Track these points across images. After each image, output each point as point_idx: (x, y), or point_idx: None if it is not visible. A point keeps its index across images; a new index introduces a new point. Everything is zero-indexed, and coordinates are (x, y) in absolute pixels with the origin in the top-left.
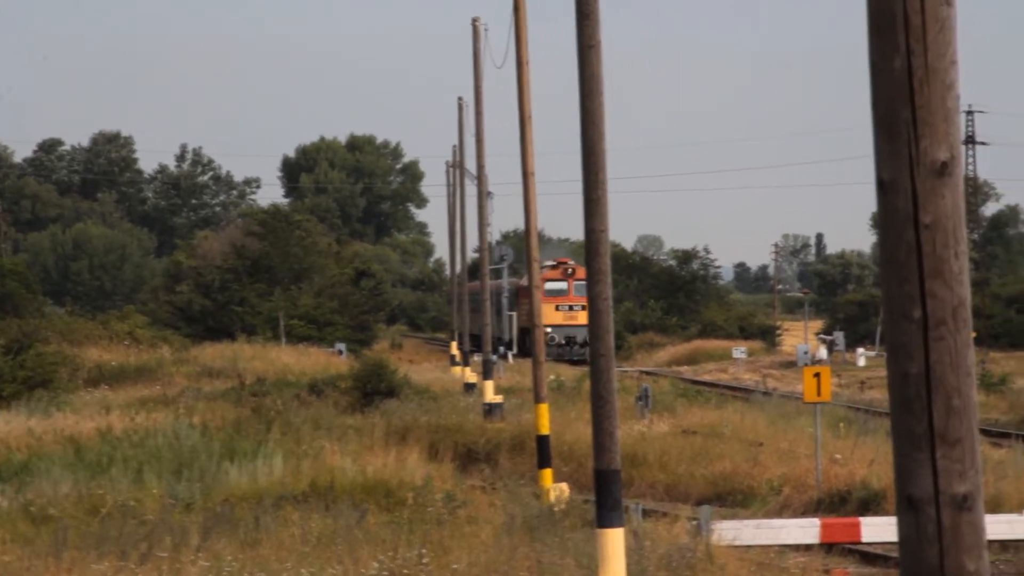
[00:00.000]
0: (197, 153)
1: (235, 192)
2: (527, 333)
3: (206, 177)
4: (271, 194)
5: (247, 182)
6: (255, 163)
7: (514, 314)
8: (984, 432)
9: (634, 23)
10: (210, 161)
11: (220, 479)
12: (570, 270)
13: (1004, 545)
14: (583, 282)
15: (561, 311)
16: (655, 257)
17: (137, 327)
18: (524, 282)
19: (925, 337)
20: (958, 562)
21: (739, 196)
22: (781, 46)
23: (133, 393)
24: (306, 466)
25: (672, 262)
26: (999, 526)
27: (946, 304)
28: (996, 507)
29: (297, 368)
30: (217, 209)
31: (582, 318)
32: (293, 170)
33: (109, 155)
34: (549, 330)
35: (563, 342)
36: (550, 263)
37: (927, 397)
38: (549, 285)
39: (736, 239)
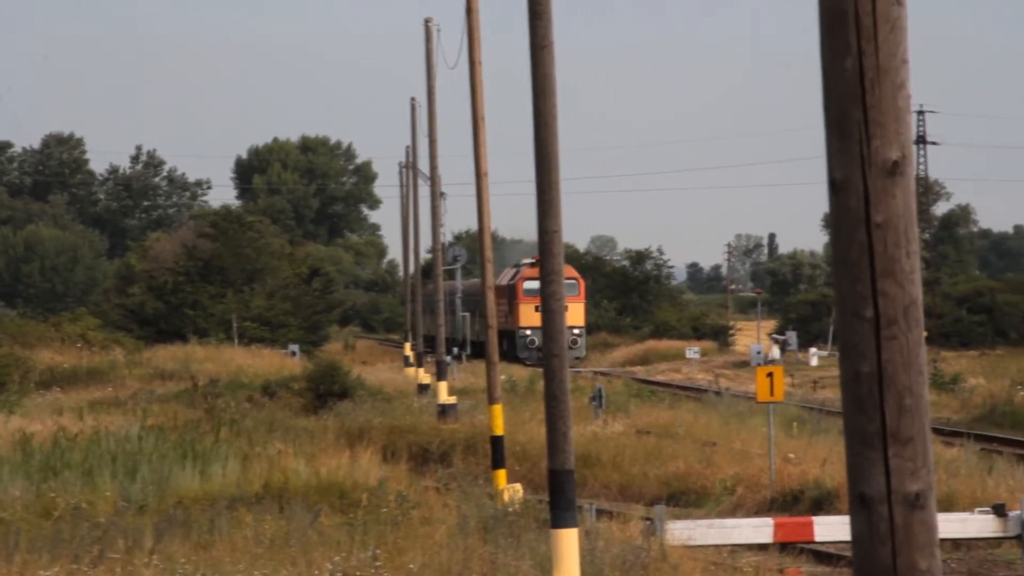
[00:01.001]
0: (151, 155)
1: (187, 194)
2: (504, 336)
3: (159, 178)
4: (224, 195)
5: (199, 183)
6: (208, 164)
7: (467, 315)
8: (936, 431)
9: (587, 25)
10: (162, 163)
11: (173, 481)
12: None
13: (956, 544)
14: (566, 281)
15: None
16: (608, 258)
17: (89, 329)
18: (502, 281)
19: (877, 336)
20: (910, 560)
21: (692, 196)
22: (736, 48)
23: (85, 395)
24: (259, 468)
25: (625, 262)
26: (951, 525)
27: (898, 303)
28: (948, 506)
29: (250, 370)
30: (170, 211)
31: (566, 319)
32: (246, 171)
33: (60, 157)
34: (528, 332)
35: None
36: (529, 261)
37: (879, 396)
38: (529, 284)
39: (689, 239)
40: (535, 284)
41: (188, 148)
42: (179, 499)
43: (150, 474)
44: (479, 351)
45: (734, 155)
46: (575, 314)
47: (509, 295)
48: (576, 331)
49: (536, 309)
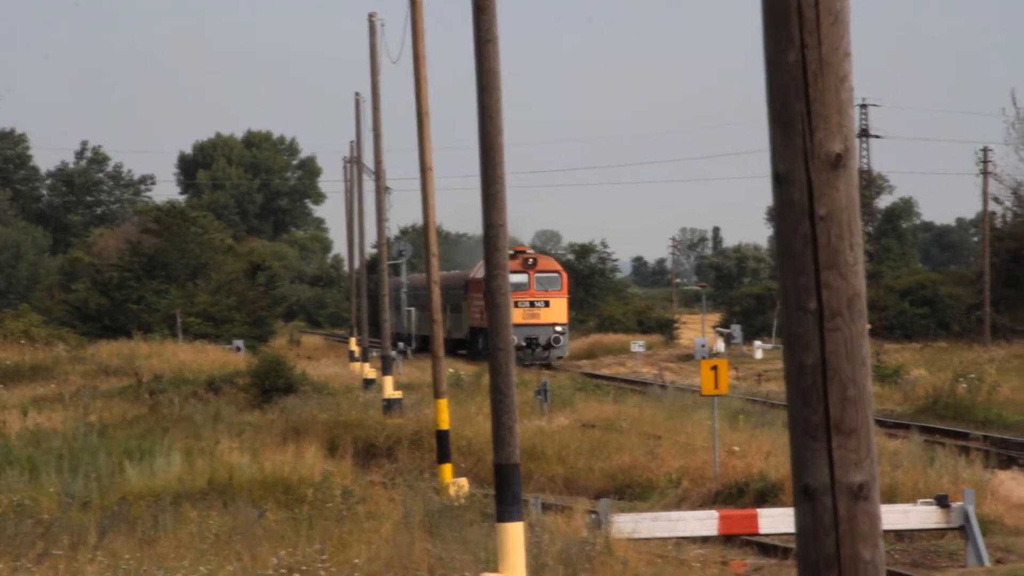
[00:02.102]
0: (96, 151)
1: (131, 190)
2: (479, 334)
3: (103, 174)
4: (168, 191)
5: (143, 179)
6: (153, 160)
7: (412, 310)
8: (879, 423)
9: (527, 20)
10: (107, 159)
11: (117, 477)
12: (531, 260)
13: (899, 535)
14: (547, 274)
15: (520, 308)
16: (553, 252)
17: (32, 325)
18: (478, 274)
19: (821, 328)
20: (854, 551)
21: (636, 191)
22: (677, 44)
23: (28, 392)
24: (204, 464)
25: (570, 256)
26: (895, 516)
27: (841, 295)
28: (892, 497)
29: (194, 365)
30: (114, 207)
31: (546, 316)
32: (190, 167)
33: (3, 152)
34: None
35: (523, 344)
36: (508, 252)
37: (823, 387)
38: (510, 279)
39: (633, 233)
40: (514, 278)
41: (133, 144)
42: (123, 495)
43: (94, 470)
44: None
45: (678, 150)
46: (557, 310)
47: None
48: (559, 328)
49: (516, 305)
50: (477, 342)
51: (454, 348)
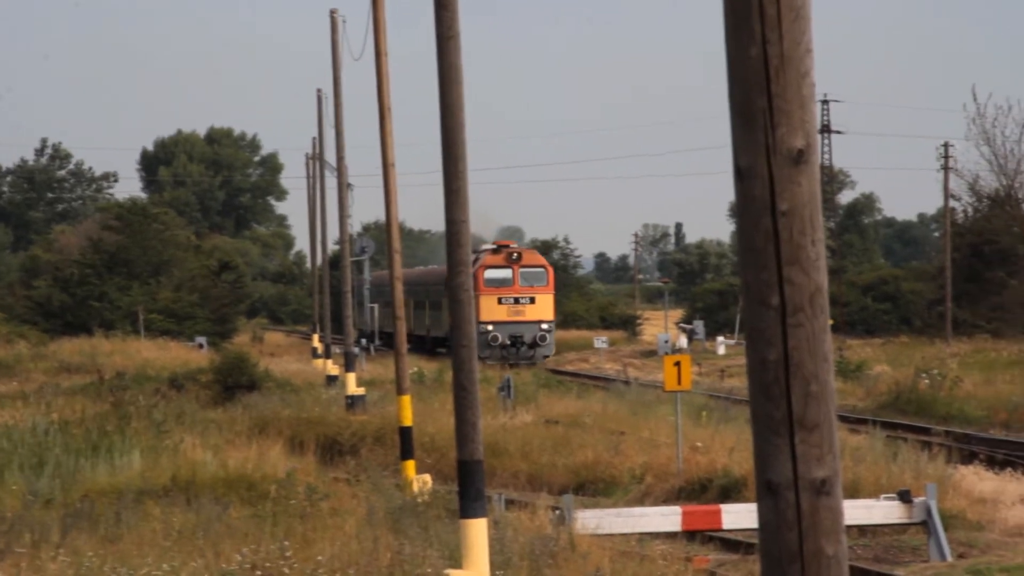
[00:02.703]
0: (57, 148)
1: (93, 186)
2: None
3: (64, 171)
4: (130, 188)
5: (105, 176)
6: (114, 157)
7: (375, 306)
8: (842, 418)
9: (494, 17)
10: (68, 155)
11: (80, 475)
12: (515, 255)
13: (862, 530)
14: (533, 269)
15: (505, 305)
16: None
17: None
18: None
19: (783, 324)
20: (816, 546)
21: (599, 187)
22: (644, 40)
23: None
24: (167, 461)
25: None
26: (857, 511)
27: (803, 291)
28: (854, 492)
29: (157, 362)
30: (75, 204)
31: (531, 313)
32: (152, 163)
33: None
34: (491, 328)
35: (508, 342)
36: (489, 247)
37: (785, 383)
38: (490, 274)
39: (596, 229)
40: (498, 273)
41: (94, 142)
42: (86, 492)
43: (56, 468)
44: (418, 344)
45: (641, 145)
46: (543, 307)
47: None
48: (545, 326)
49: (500, 302)
50: None
51: (434, 346)
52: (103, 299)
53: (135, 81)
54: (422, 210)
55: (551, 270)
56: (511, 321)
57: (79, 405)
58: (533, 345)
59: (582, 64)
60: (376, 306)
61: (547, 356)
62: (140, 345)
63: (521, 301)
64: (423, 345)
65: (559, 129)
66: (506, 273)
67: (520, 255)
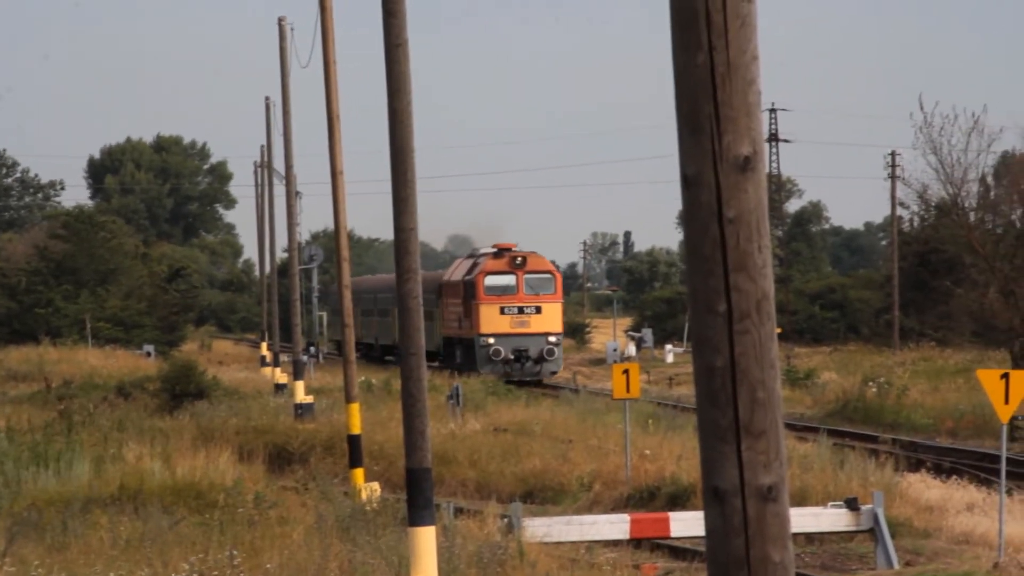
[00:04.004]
0: (2, 155)
1: (40, 194)
2: (458, 345)
3: (10, 179)
4: (78, 196)
5: (52, 184)
6: (62, 165)
7: (324, 314)
8: (790, 426)
9: (441, 25)
10: (15, 163)
11: (26, 484)
12: (519, 259)
13: (810, 538)
14: (539, 275)
15: (508, 315)
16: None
17: None
18: (453, 275)
19: (730, 330)
20: (763, 552)
21: (548, 195)
22: (591, 49)
23: None
24: (114, 469)
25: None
26: (805, 519)
27: (750, 297)
28: (802, 500)
29: (104, 370)
30: (22, 211)
31: (537, 324)
32: (99, 171)
33: None
34: (491, 340)
35: (511, 357)
36: (489, 250)
37: (732, 390)
38: (491, 280)
39: (545, 238)
40: (500, 280)
41: (41, 149)
42: (32, 501)
43: (2, 477)
44: (366, 352)
45: (589, 154)
46: (551, 317)
47: (466, 293)
48: (552, 339)
49: (502, 312)
50: (453, 354)
51: (383, 354)
52: (50, 307)
53: (82, 89)
54: (372, 218)
55: (559, 276)
56: (515, 334)
57: (26, 414)
58: (539, 360)
59: (531, 74)
60: (324, 314)
61: (555, 372)
62: (87, 353)
63: (526, 311)
64: (372, 352)
65: (508, 138)
66: (509, 279)
67: (525, 259)
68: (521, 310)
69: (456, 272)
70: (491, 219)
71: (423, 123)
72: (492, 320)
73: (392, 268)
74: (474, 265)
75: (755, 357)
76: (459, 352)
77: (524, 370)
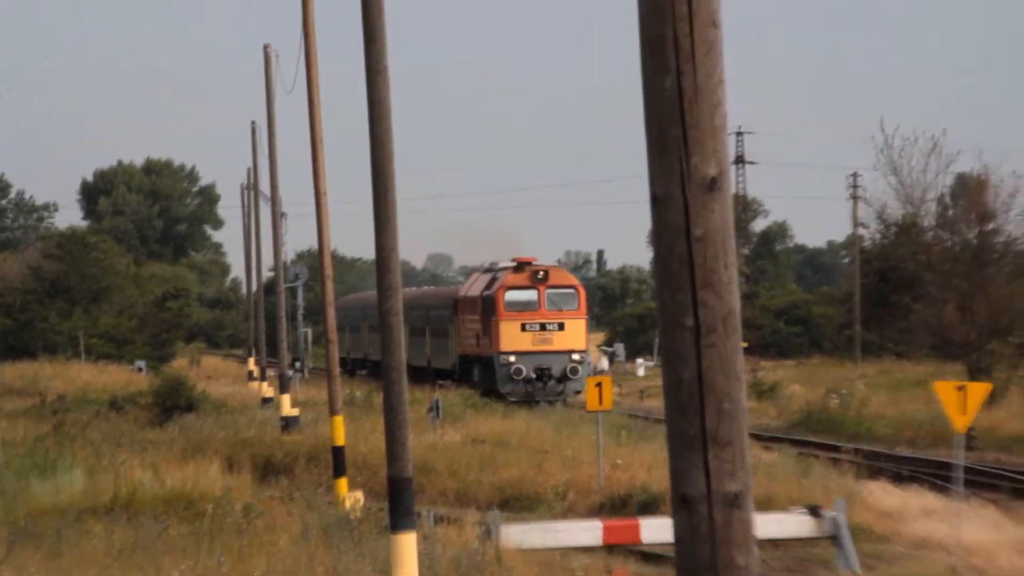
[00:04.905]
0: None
1: (34, 216)
2: (477, 363)
3: (6, 201)
4: (71, 217)
5: (46, 206)
6: (55, 187)
7: (308, 331)
8: (755, 436)
9: (428, 43)
10: (9, 186)
11: (23, 494)
12: (541, 273)
13: (775, 543)
14: (562, 290)
15: (529, 332)
16: (445, 274)
17: None
18: (471, 291)
19: (697, 344)
20: (729, 557)
21: (524, 214)
22: (566, 73)
23: None
24: (107, 480)
25: (460, 279)
26: (769, 525)
27: (716, 312)
28: (767, 507)
29: (98, 385)
30: (17, 232)
31: (560, 342)
32: (92, 193)
33: None
34: (512, 359)
35: (533, 376)
36: (508, 264)
37: (700, 401)
38: (512, 295)
39: (521, 255)
40: (522, 295)
41: (35, 172)
42: (29, 511)
43: (0, 487)
44: (374, 369)
45: (564, 175)
46: (574, 334)
47: (485, 309)
48: (576, 356)
49: (524, 328)
50: (471, 373)
51: (436, 378)
52: (45, 324)
53: (75, 114)
54: (344, 237)
55: (583, 291)
56: (537, 351)
57: (22, 427)
58: (562, 379)
59: (512, 94)
60: (309, 330)
61: (579, 392)
62: (81, 369)
63: (548, 327)
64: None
65: (485, 157)
66: (531, 295)
67: (547, 273)
68: (543, 327)
69: (473, 287)
70: (470, 237)
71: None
72: (513, 337)
73: (364, 287)
74: (493, 279)
75: (722, 370)
76: (477, 370)
77: (547, 389)
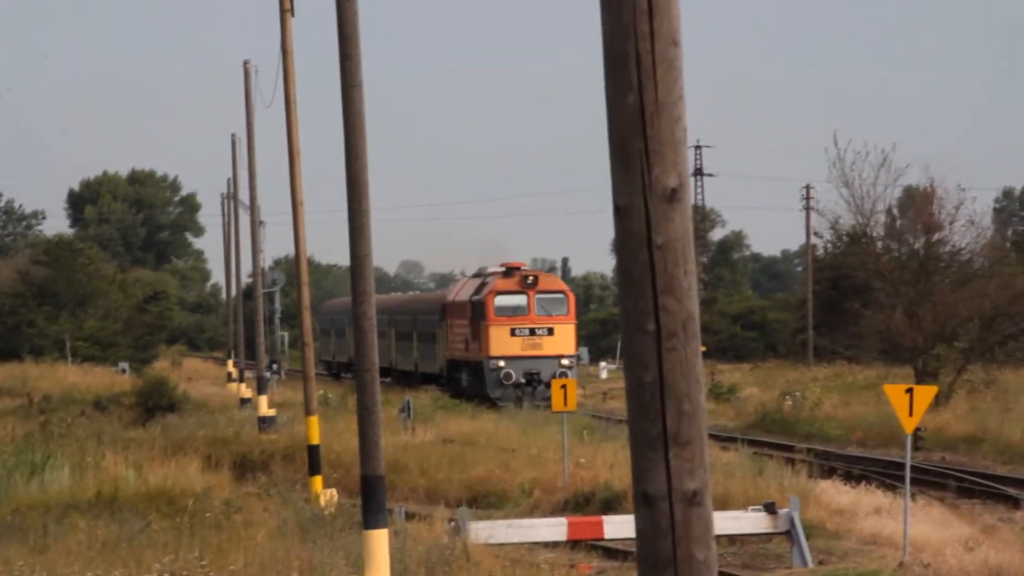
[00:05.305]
0: None
1: (23, 223)
2: (462, 368)
3: None
4: (58, 224)
5: (34, 214)
6: (43, 196)
7: (286, 334)
8: (714, 437)
9: (401, 58)
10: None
11: (10, 490)
12: (530, 279)
13: (732, 539)
14: (551, 296)
15: (519, 337)
16: (416, 280)
17: None
18: (460, 295)
19: (659, 348)
20: (688, 552)
21: (492, 224)
22: (533, 86)
23: None
24: (91, 477)
25: (431, 285)
26: (727, 522)
27: (677, 318)
28: (724, 504)
29: (83, 386)
30: (7, 239)
31: (549, 346)
32: (78, 202)
33: None
34: (502, 364)
35: (522, 380)
36: (497, 269)
37: (661, 402)
38: (501, 300)
39: (490, 263)
40: (512, 300)
41: (25, 180)
42: (16, 507)
43: None
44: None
45: (530, 185)
46: (564, 339)
47: (474, 314)
48: (565, 362)
49: (513, 333)
50: (459, 378)
51: (423, 383)
52: (32, 327)
53: (62, 125)
54: (320, 245)
55: (572, 297)
56: (526, 356)
57: (9, 426)
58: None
59: (483, 105)
60: (286, 334)
61: None
62: (67, 370)
63: (538, 332)
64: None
65: (455, 167)
66: (520, 300)
67: (536, 279)
68: (533, 331)
69: (462, 292)
70: (440, 246)
71: (377, 152)
72: (503, 342)
73: (340, 292)
74: (482, 284)
75: (682, 372)
76: (465, 375)
77: (536, 394)
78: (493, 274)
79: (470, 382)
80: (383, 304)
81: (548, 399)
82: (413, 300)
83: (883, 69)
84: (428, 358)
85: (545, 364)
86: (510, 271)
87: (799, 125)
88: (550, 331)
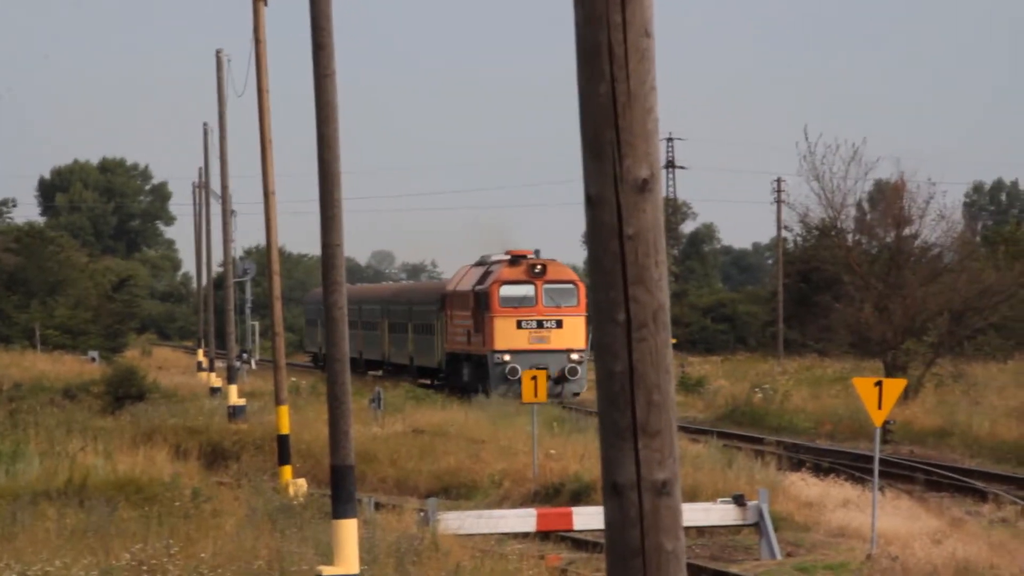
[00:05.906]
0: None
1: None
2: (463, 361)
3: None
4: (28, 212)
5: (4, 202)
6: (14, 184)
7: (256, 324)
8: (683, 429)
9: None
10: None
11: None
12: (538, 268)
13: (701, 531)
14: (560, 286)
15: (526, 329)
16: (387, 271)
17: None
18: (463, 284)
19: (629, 338)
20: (657, 542)
21: (467, 215)
22: (504, 80)
23: None
24: (61, 465)
25: (403, 276)
26: (696, 513)
27: (647, 308)
28: (694, 496)
29: (52, 374)
30: None
31: (557, 340)
32: (49, 190)
33: None
34: (507, 358)
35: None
36: (503, 257)
37: (631, 393)
38: (507, 291)
39: (461, 253)
40: (517, 290)
41: None
42: None
43: None
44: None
45: (504, 178)
46: (573, 332)
47: (477, 305)
48: (575, 356)
49: (519, 326)
50: (459, 372)
51: (418, 377)
52: (2, 315)
53: (32, 114)
54: (292, 235)
55: (582, 287)
56: (533, 350)
57: None
58: (560, 379)
59: (454, 98)
60: (256, 324)
61: (577, 394)
62: (36, 358)
63: (546, 325)
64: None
65: (429, 160)
66: (527, 290)
67: (544, 267)
68: (540, 324)
69: (463, 281)
70: (411, 236)
71: (350, 142)
72: (508, 335)
73: (311, 283)
74: (486, 274)
75: (652, 363)
76: (467, 370)
77: (548, 389)
78: (498, 262)
79: (472, 377)
80: (377, 294)
81: (557, 395)
82: (408, 289)
83: (856, 63)
84: (425, 351)
85: (553, 358)
86: (516, 259)
87: (771, 119)
88: (559, 323)
